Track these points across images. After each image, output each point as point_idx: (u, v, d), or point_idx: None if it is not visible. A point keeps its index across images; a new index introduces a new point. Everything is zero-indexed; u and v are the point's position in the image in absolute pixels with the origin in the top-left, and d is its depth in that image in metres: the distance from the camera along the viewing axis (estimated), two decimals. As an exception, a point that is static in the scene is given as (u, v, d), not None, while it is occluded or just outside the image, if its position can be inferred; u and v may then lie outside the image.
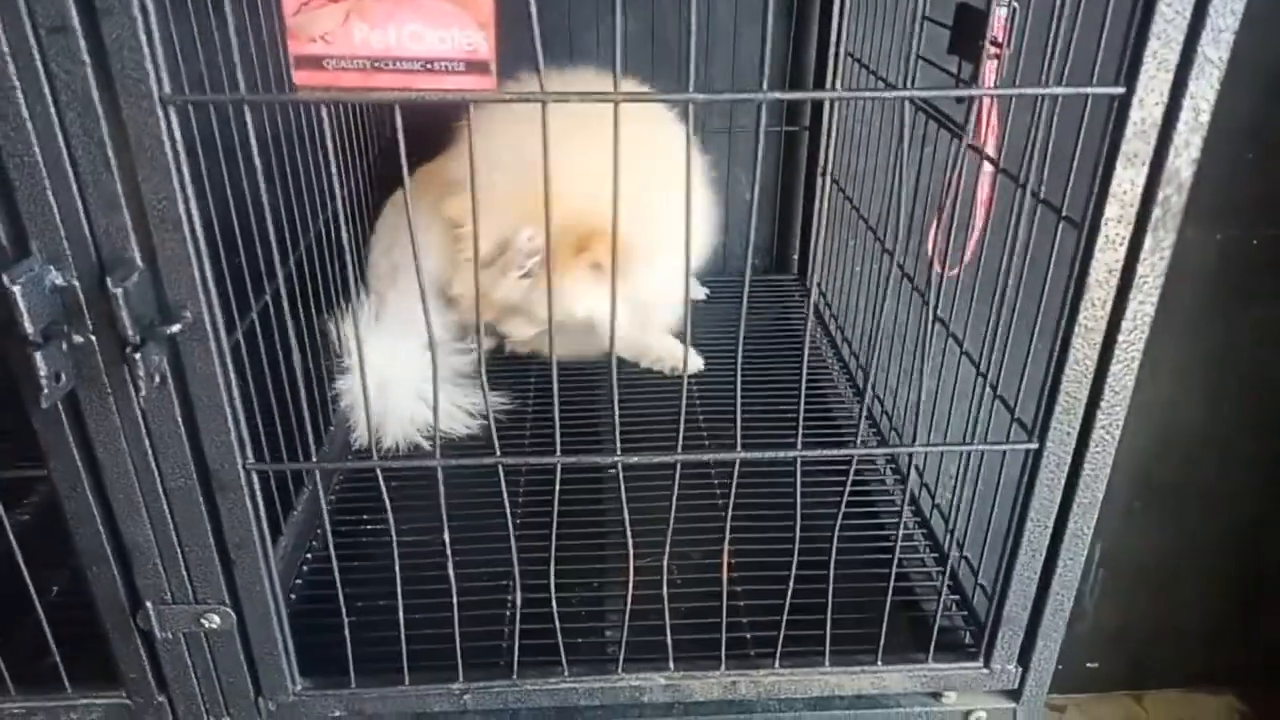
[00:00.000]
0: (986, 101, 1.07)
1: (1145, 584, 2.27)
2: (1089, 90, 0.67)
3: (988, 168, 1.01)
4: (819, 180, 1.70)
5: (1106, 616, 2.29)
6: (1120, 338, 0.75)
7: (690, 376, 1.45)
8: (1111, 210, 0.70)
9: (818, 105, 1.69)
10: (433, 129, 0.91)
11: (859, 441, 0.81)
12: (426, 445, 1.26)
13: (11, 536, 0.82)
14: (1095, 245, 0.71)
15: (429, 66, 0.63)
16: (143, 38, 0.62)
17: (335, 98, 0.64)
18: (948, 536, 1.05)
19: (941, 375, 1.01)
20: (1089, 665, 2.37)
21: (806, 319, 0.76)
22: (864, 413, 0.81)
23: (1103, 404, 0.77)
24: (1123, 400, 0.77)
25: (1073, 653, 2.33)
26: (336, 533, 1.15)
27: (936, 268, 1.11)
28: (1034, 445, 0.81)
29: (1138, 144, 0.68)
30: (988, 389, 0.91)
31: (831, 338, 1.62)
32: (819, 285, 1.75)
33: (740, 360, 0.81)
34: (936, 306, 1.05)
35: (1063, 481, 0.82)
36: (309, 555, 1.11)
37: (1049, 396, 0.79)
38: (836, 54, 1.59)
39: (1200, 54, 0.64)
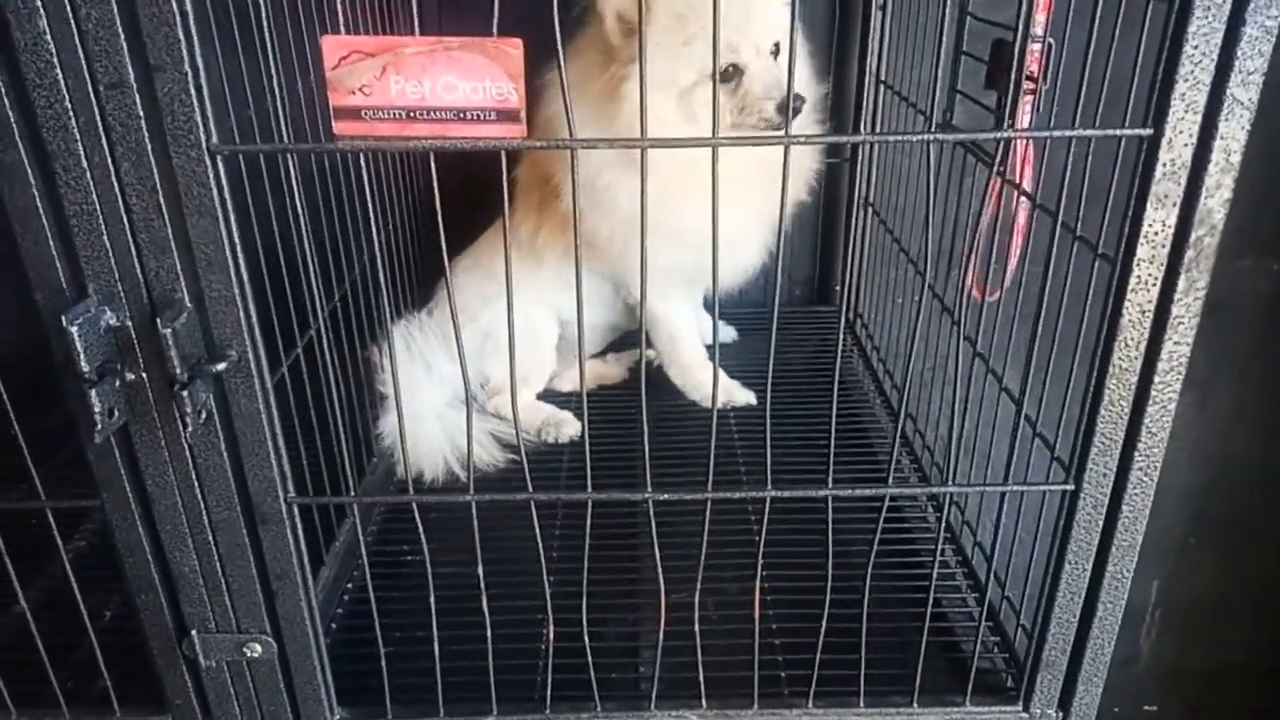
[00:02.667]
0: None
1: (1203, 622, 2.19)
2: (1117, 133, 0.67)
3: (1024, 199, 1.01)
4: (859, 211, 1.70)
5: (1164, 657, 2.22)
6: (1156, 379, 0.73)
7: (732, 410, 1.47)
8: (1143, 251, 0.69)
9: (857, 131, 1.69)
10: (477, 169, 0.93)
11: (890, 480, 0.80)
12: (464, 476, 1.28)
13: (68, 564, 0.86)
14: (1128, 286, 0.71)
15: (462, 115, 0.66)
16: (192, 92, 0.65)
17: (373, 146, 0.66)
18: (987, 574, 1.03)
19: (982, 409, 1.00)
20: (1146, 708, 2.30)
21: (836, 350, 0.77)
22: (895, 451, 0.81)
23: (1140, 445, 0.76)
24: (1160, 442, 0.76)
25: (1129, 695, 2.26)
26: (378, 563, 1.18)
27: (975, 295, 1.11)
28: (1070, 487, 0.80)
29: (1168, 185, 0.67)
30: (1027, 425, 0.91)
31: (873, 370, 1.61)
32: (861, 317, 1.74)
33: (770, 396, 0.81)
34: (976, 339, 1.05)
35: (1101, 524, 0.81)
36: (350, 585, 1.13)
37: (1084, 438, 0.78)
38: (875, 84, 1.60)
39: (1229, 96, 0.63)
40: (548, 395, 1.52)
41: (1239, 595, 2.16)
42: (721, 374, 1.54)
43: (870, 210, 1.68)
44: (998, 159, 0.87)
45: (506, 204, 0.71)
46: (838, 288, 1.84)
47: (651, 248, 0.70)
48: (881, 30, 1.56)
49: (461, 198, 0.79)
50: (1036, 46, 0.99)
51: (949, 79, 1.23)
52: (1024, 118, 1.07)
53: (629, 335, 1.62)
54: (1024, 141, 1.05)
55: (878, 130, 1.59)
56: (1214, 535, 2.10)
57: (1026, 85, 0.99)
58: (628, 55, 1.16)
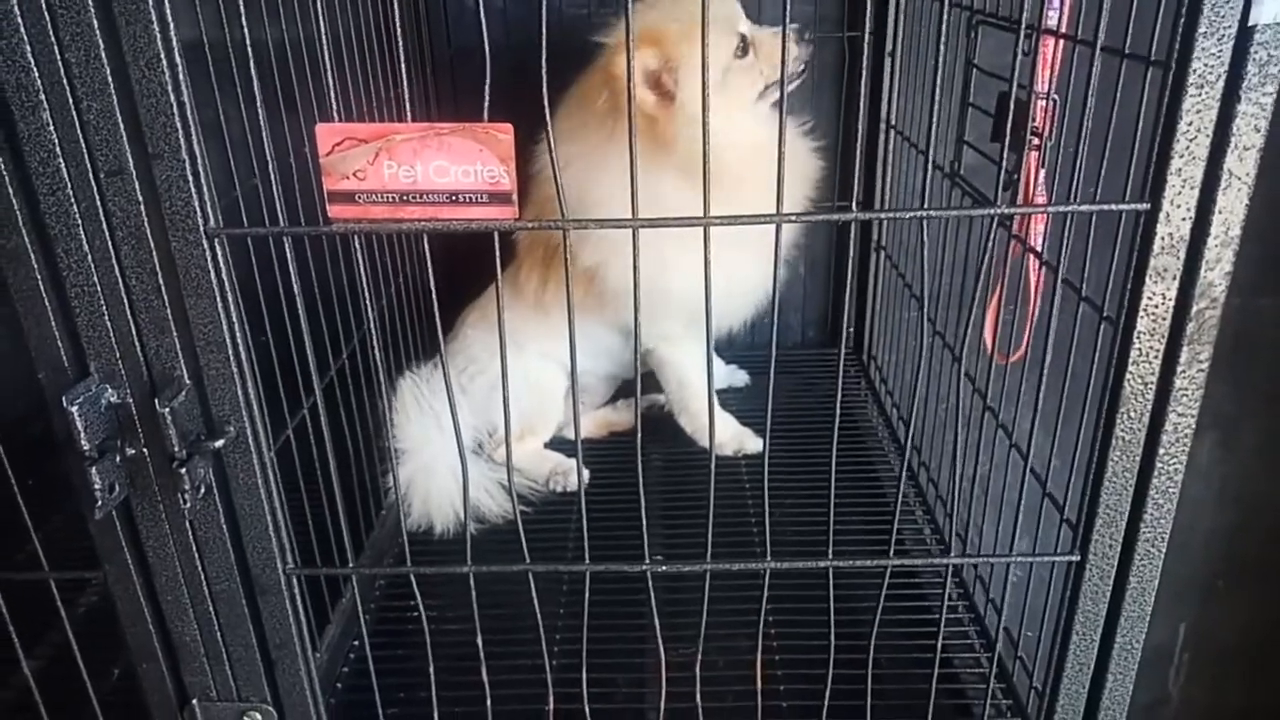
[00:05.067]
0: (1030, 188, 1.06)
1: (1233, 666, 2.14)
2: (1115, 207, 0.66)
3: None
4: (873, 254, 1.70)
5: (1193, 701, 2.17)
6: (1160, 451, 0.72)
7: (744, 458, 1.46)
8: (1143, 324, 0.68)
9: (869, 179, 1.69)
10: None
11: (892, 552, 0.79)
12: (473, 529, 1.28)
13: (70, 633, 0.86)
14: (1129, 358, 0.70)
15: (454, 198, 0.66)
16: (190, 178, 0.66)
17: (367, 229, 0.67)
18: (996, 633, 1.01)
19: (993, 464, 0.98)
20: (1176, 752, 2.24)
21: (834, 415, 0.76)
22: (896, 521, 0.79)
23: (1146, 517, 0.75)
24: (1167, 514, 0.74)
25: (1158, 740, 2.21)
26: (385, 619, 1.18)
27: (988, 353, 1.09)
28: (1076, 558, 0.78)
29: (1167, 259, 0.66)
30: (1036, 485, 0.90)
31: (886, 415, 1.60)
32: (875, 359, 1.73)
33: (767, 461, 0.80)
34: (986, 392, 1.04)
35: (1108, 595, 0.79)
36: (356, 642, 1.13)
37: (1089, 510, 0.76)
38: (886, 129, 1.60)
39: (1227, 170, 0.63)
40: (559, 444, 1.52)
41: (1270, 638, 2.11)
42: (732, 420, 1.54)
43: (883, 254, 1.67)
44: (991, 227, 0.86)
45: (499, 281, 0.71)
46: (851, 329, 1.83)
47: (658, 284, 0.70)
48: (891, 76, 1.56)
49: (472, 241, 0.78)
50: (1042, 102, 0.99)
51: (957, 129, 1.23)
52: (1032, 170, 1.07)
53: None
54: (1032, 198, 1.04)
55: (887, 176, 1.60)
56: (1243, 576, 2.06)
57: (1032, 140, 0.99)
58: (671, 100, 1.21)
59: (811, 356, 1.81)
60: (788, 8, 0.63)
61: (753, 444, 1.46)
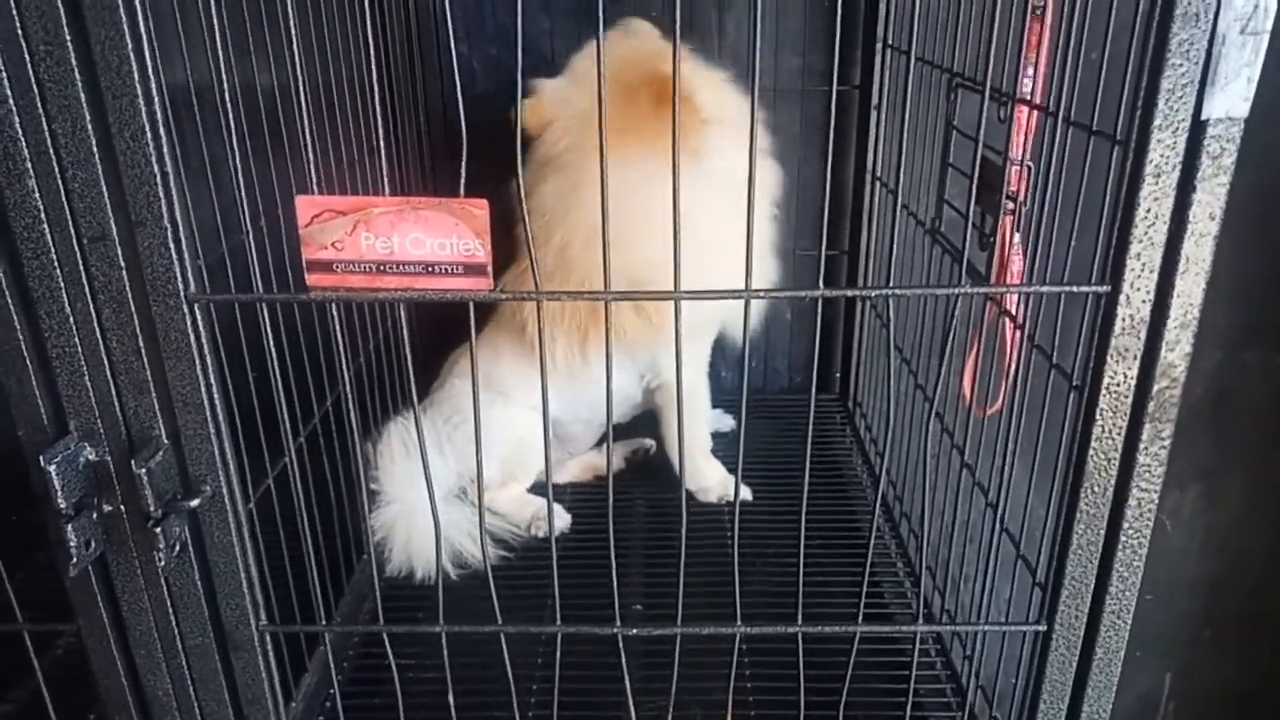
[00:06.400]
0: (1006, 251, 1.08)
1: (1218, 716, 2.13)
2: (1076, 289, 0.68)
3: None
4: (859, 303, 1.71)
5: (1179, 752, 2.16)
6: (1125, 524, 0.73)
7: (727, 506, 1.46)
8: (1105, 402, 0.70)
9: (856, 227, 1.71)
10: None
11: (860, 618, 0.80)
12: (455, 575, 1.29)
13: (43, 684, 0.87)
14: (1092, 435, 0.71)
15: (430, 269, 0.68)
16: (171, 246, 0.68)
17: (344, 297, 0.68)
18: (970, 697, 1.01)
19: (970, 520, 0.99)
20: (1163, 803, 2.22)
21: (822, 464, 0.77)
22: (864, 589, 0.80)
23: (1111, 590, 0.75)
24: (1132, 586, 0.75)
25: (1144, 791, 2.19)
26: (363, 666, 1.19)
27: (965, 404, 1.11)
28: (1043, 627, 0.79)
29: (1128, 339, 0.67)
30: (1012, 547, 0.91)
31: (870, 463, 1.60)
32: (860, 406, 1.74)
33: (738, 523, 0.81)
34: (964, 448, 1.05)
35: (1075, 664, 0.79)
36: (332, 691, 1.12)
37: (1055, 581, 0.77)
38: (872, 181, 1.62)
39: (1184, 256, 0.64)
40: (541, 488, 1.52)
41: (1255, 689, 2.11)
42: (720, 467, 1.55)
43: (868, 303, 1.69)
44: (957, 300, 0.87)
45: (474, 346, 0.73)
46: (838, 375, 1.84)
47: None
48: (877, 129, 1.59)
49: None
50: (1016, 168, 1.01)
51: (938, 188, 1.25)
52: (1007, 234, 1.09)
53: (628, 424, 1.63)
54: (1007, 264, 1.06)
55: (873, 227, 1.62)
56: (1228, 629, 2.06)
57: (1007, 205, 1.01)
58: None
59: (798, 402, 1.82)
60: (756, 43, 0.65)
61: (740, 492, 1.47)
